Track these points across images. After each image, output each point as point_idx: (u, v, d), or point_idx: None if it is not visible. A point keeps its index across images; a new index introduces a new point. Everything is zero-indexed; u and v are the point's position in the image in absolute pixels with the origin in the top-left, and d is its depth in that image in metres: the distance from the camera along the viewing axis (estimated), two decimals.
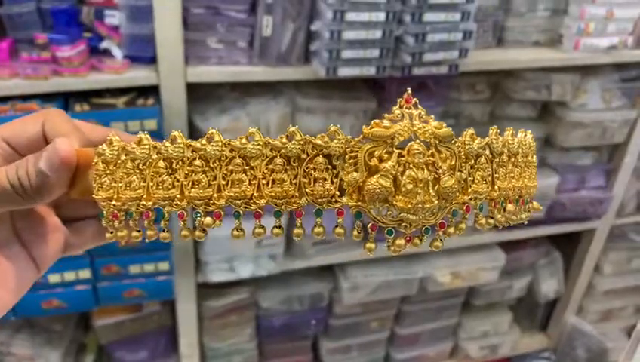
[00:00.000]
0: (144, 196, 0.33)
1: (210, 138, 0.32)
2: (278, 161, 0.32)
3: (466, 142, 0.34)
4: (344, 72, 1.09)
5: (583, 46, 1.30)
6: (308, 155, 0.32)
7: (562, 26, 1.31)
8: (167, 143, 0.33)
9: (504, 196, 0.36)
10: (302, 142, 0.32)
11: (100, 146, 0.34)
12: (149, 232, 0.34)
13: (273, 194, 0.32)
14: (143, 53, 1.07)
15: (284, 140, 0.32)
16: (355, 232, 0.33)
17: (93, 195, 0.35)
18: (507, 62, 1.29)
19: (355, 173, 0.32)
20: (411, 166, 0.32)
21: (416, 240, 0.34)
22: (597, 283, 1.82)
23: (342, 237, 0.33)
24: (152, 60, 1.07)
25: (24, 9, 1.02)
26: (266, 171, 0.32)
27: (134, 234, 0.35)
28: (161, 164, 0.33)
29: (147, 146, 0.33)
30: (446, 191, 0.33)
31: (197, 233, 0.33)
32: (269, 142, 0.32)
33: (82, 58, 1.03)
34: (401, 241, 0.34)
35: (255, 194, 0.32)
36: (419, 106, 0.33)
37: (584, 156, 1.55)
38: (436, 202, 0.32)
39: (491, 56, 1.28)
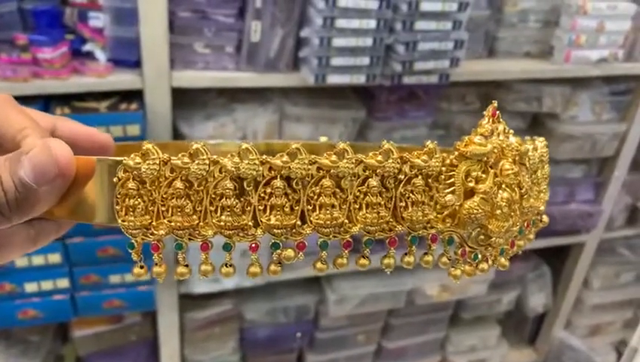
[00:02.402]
0: (200, 224, 0.28)
1: (292, 154, 0.27)
2: (373, 182, 0.28)
3: (530, 157, 0.32)
4: (333, 79, 1.07)
5: (573, 58, 1.29)
6: (406, 175, 0.28)
7: (553, 37, 1.30)
8: (236, 159, 0.27)
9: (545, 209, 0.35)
10: (399, 161, 0.28)
11: (131, 158, 0.27)
12: (203, 267, 0.29)
13: (368, 221, 0.28)
14: (128, 56, 1.04)
15: (379, 158, 0.28)
16: (444, 259, 0.31)
17: (119, 221, 0.28)
18: (498, 73, 1.28)
19: (450, 196, 0.29)
20: (504, 187, 0.30)
21: (490, 262, 0.32)
22: (585, 298, 1.81)
23: (430, 266, 0.30)
24: (136, 64, 1.04)
25: (4, 9, 0.99)
26: (358, 194, 0.28)
27: (181, 270, 0.29)
28: (229, 184, 0.27)
29: (206, 161, 0.27)
30: (526, 210, 0.31)
31: (272, 267, 0.29)
32: (362, 160, 0.28)
33: (64, 60, 1.00)
34: (484, 265, 0.31)
35: (346, 221, 0.28)
36: (501, 120, 0.31)
37: (574, 169, 1.54)
38: (519, 223, 0.31)
39: (482, 67, 1.27)
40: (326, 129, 1.22)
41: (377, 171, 0.28)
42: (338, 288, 1.43)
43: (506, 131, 0.31)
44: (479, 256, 0.31)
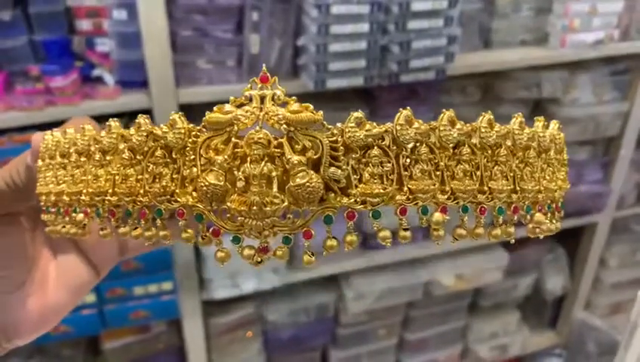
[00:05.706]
0: (84, 191, 0.31)
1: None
2: (126, 155, 0.29)
3: (350, 131, 0.27)
4: (333, 83, 1.11)
5: (569, 42, 1.31)
6: (149, 148, 0.29)
7: (547, 24, 1.32)
8: (104, 133, 0.31)
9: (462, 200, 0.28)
10: (145, 133, 0.29)
11: (49, 134, 0.34)
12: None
13: (122, 191, 0.29)
14: (135, 77, 1.09)
15: (132, 131, 0.29)
16: (199, 239, 0.29)
17: (36, 191, 0.34)
18: (495, 64, 1.30)
19: (194, 168, 0.28)
20: (248, 159, 0.27)
21: (279, 252, 0.28)
22: (603, 277, 1.82)
23: (191, 242, 0.29)
24: (143, 84, 1.09)
25: (16, 42, 1.05)
26: (119, 166, 0.30)
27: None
28: (98, 156, 0.31)
29: (87, 137, 0.31)
30: (301, 190, 0.26)
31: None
32: (123, 135, 0.29)
33: (75, 87, 1.06)
34: (249, 251, 0.28)
35: (110, 190, 0.30)
36: (278, 86, 0.28)
37: (580, 151, 1.55)
38: (284, 203, 0.27)
39: (479, 59, 1.29)
40: None
41: (129, 144, 0.29)
42: (355, 284, 1.46)
43: (280, 97, 0.28)
44: (240, 239, 0.28)
